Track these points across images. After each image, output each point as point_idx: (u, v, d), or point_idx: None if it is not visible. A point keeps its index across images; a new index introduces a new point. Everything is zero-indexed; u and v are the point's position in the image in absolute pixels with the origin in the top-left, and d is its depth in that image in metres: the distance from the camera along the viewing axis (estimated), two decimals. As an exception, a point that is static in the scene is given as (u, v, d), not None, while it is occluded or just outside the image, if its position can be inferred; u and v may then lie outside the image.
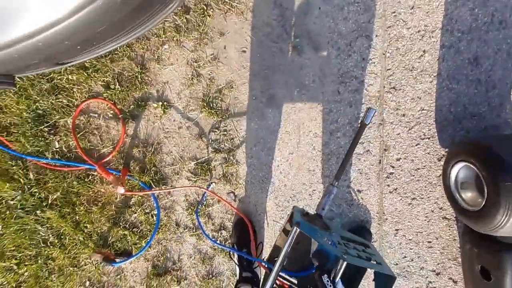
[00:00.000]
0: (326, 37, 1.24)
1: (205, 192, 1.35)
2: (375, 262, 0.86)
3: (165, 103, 1.32)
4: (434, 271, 1.29)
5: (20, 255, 1.42)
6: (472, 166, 0.96)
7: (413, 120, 1.23)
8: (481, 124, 1.18)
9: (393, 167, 1.27)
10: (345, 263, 0.81)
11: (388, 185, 1.28)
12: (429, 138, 1.23)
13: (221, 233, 1.39)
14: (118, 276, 1.44)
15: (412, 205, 1.27)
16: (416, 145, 1.24)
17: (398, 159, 1.26)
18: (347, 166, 1.09)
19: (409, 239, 1.30)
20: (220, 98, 1.31)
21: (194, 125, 1.33)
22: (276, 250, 0.99)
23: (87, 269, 1.42)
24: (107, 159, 1.35)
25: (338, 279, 0.81)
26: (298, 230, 0.83)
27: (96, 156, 1.36)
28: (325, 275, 0.76)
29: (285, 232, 0.99)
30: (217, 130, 1.32)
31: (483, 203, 0.90)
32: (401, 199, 1.28)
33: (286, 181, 1.33)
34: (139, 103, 1.32)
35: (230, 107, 1.31)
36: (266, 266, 0.92)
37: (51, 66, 0.90)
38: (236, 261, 1.32)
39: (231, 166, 1.34)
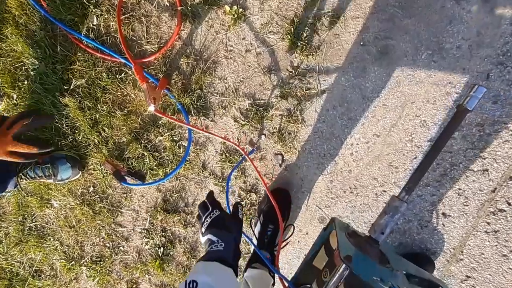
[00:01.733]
0: (514, -15, 0.78)
1: (242, 158, 1.06)
2: None
3: (240, 10, 0.96)
4: (489, 339, 1.02)
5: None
6: None
7: None
8: None
9: (509, 204, 0.91)
10: None
11: (488, 223, 0.94)
12: None
13: (249, 196, 1.14)
14: (125, 194, 1.27)
15: (507, 258, 0.94)
16: (562, 189, 0.85)
17: (522, 197, 0.89)
18: (423, 175, 0.71)
19: (477, 293, 1.00)
20: (315, 28, 0.93)
21: (266, 54, 0.99)
22: (307, 270, 0.71)
23: (94, 175, 1.25)
24: (148, 59, 1.06)
25: None
26: (348, 271, 0.54)
27: (136, 52, 1.08)
28: None
29: (327, 249, 0.70)
30: (293, 71, 0.98)
31: None
32: (496, 245, 0.94)
33: (353, 166, 1.02)
34: (208, -1, 0.98)
35: (323, 46, 0.94)
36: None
37: None
38: (256, 233, 1.10)
39: (292, 124, 1.02)
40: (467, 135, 0.89)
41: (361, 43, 0.91)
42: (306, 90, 0.98)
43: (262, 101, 1.03)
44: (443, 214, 0.97)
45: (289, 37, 0.94)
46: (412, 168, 0.97)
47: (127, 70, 1.10)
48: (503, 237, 0.93)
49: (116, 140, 1.18)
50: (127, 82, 1.11)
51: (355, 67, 0.93)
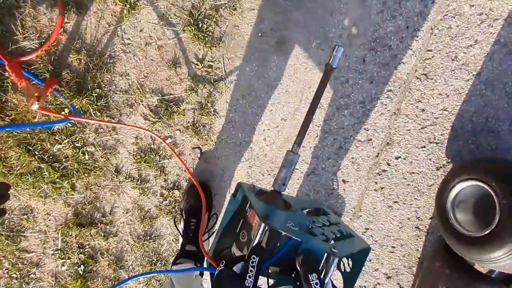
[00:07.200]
0: (374, -18, 0.93)
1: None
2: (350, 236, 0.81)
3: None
4: (386, 274, 1.26)
5: None
6: (486, 187, 0.84)
7: (430, 119, 1.06)
8: (493, 143, 1.07)
9: (389, 164, 1.12)
10: (336, 260, 0.66)
11: (376, 182, 1.14)
12: (437, 143, 1.08)
13: (172, 193, 1.12)
14: (25, 216, 1.10)
15: (391, 208, 1.17)
16: (422, 147, 1.09)
17: (397, 158, 1.11)
18: (307, 129, 0.81)
19: (375, 241, 1.22)
20: (214, 20, 0.94)
21: (169, 47, 0.96)
22: (224, 236, 0.77)
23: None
24: (28, 58, 0.91)
25: (328, 279, 0.66)
26: (268, 228, 0.62)
27: (12, 50, 0.91)
28: (314, 274, 0.60)
29: (240, 213, 0.76)
30: (199, 64, 0.98)
31: (490, 230, 0.80)
32: (383, 199, 1.16)
33: (268, 150, 1.09)
34: (92, -13, 0.88)
35: (225, 37, 0.96)
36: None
37: None
38: (180, 230, 1.10)
39: (206, 116, 1.03)
40: (354, 112, 1.05)
41: (259, 34, 0.96)
42: (214, 81, 0.99)
43: (171, 96, 1.00)
44: (343, 181, 1.14)
45: (190, 29, 0.93)
46: (315, 145, 1.09)
47: (2, 72, 0.92)
48: (387, 192, 1.15)
49: (1, 155, 1.00)
50: (4, 86, 0.93)
51: (257, 57, 0.98)
